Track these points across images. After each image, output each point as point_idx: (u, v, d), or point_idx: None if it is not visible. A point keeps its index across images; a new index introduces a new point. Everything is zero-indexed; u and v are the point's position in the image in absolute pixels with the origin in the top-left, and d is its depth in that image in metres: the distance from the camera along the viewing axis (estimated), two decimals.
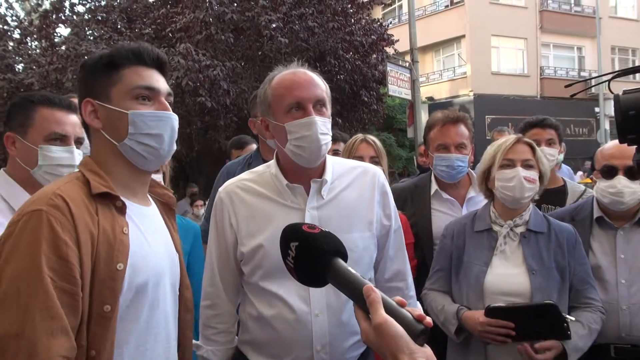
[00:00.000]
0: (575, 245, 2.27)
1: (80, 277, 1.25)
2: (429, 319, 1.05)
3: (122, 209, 1.39)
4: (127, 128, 1.41)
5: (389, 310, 1.05)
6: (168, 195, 1.67)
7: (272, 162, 1.92)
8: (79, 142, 1.99)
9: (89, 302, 1.27)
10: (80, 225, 1.27)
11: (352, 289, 1.12)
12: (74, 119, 1.98)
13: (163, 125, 1.44)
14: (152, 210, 1.57)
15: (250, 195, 1.88)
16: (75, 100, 1.93)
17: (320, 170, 1.88)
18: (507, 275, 2.21)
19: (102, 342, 1.27)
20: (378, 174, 1.98)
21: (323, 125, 1.76)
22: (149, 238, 1.46)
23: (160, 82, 1.48)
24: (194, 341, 1.92)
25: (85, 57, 1.57)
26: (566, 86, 2.02)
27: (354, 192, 1.91)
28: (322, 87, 1.82)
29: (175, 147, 1.51)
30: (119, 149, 1.43)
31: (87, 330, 1.27)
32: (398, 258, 2.03)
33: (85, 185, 1.37)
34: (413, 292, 2.08)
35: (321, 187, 1.85)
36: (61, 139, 1.93)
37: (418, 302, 2.19)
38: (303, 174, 1.84)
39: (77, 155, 1.96)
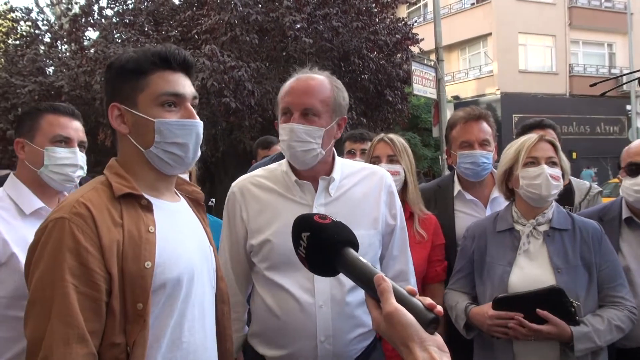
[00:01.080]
0: (600, 241, 2.22)
1: (105, 282, 1.29)
2: (439, 308, 1.06)
3: (148, 207, 1.42)
4: (153, 135, 1.43)
5: (399, 299, 1.06)
6: (196, 191, 1.71)
7: (284, 160, 2.01)
8: (82, 146, 2.15)
9: (122, 301, 1.32)
10: (103, 231, 1.31)
11: (363, 278, 1.13)
12: (77, 124, 2.15)
13: (188, 134, 1.46)
14: (181, 206, 1.60)
15: (261, 191, 1.99)
16: (76, 110, 2.16)
17: (329, 169, 1.97)
18: (532, 274, 2.17)
19: (139, 339, 1.32)
20: (385, 176, 2.07)
21: (303, 132, 1.85)
22: (180, 233, 1.49)
23: (186, 87, 1.48)
24: None
25: (112, 58, 1.54)
26: (591, 85, 1.99)
27: (361, 190, 1.99)
28: (318, 95, 1.87)
29: (199, 153, 1.53)
30: (145, 155, 1.46)
31: (124, 328, 1.32)
32: (401, 258, 2.09)
33: (108, 189, 1.40)
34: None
35: (329, 184, 1.94)
36: (65, 141, 2.09)
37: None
38: (312, 172, 1.93)
39: (80, 156, 2.11)
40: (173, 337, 1.41)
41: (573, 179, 3.14)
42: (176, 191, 1.63)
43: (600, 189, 3.25)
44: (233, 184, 2.08)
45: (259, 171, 2.08)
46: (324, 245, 1.20)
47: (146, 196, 1.43)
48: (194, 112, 1.48)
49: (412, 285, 2.08)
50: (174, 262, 1.41)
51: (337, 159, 2.02)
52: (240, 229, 1.99)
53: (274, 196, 1.97)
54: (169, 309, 1.40)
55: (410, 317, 1.03)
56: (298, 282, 1.85)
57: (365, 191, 1.99)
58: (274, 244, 1.89)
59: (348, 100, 2.01)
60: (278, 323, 1.87)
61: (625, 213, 2.45)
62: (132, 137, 1.46)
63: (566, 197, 2.96)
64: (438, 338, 1.03)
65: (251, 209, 1.97)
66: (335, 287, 1.86)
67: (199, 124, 1.49)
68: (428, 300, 1.07)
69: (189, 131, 1.46)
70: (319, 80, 1.91)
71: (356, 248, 1.21)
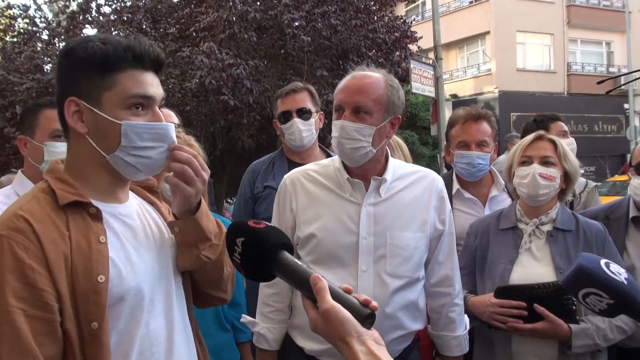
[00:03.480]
0: (604, 243, 2.21)
1: (57, 300, 1.15)
2: (374, 303, 1.09)
3: (97, 215, 1.27)
4: (118, 139, 1.27)
5: (335, 297, 1.08)
6: (147, 177, 1.50)
7: (337, 157, 2.03)
8: None
9: (76, 322, 1.18)
10: (48, 245, 1.16)
11: (299, 280, 1.14)
12: None
13: (158, 138, 1.32)
14: (132, 206, 1.42)
15: (313, 185, 2.01)
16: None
17: (381, 169, 1.98)
18: (534, 274, 2.17)
19: None
20: (437, 179, 2.06)
21: (353, 130, 1.86)
22: (135, 238, 1.35)
23: (155, 88, 1.33)
24: (249, 318, 2.07)
25: (72, 42, 1.33)
26: (598, 82, 2.00)
27: (412, 193, 1.99)
28: (370, 94, 1.88)
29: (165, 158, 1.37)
30: (107, 159, 1.30)
31: (82, 352, 1.18)
32: (447, 263, 2.07)
33: (51, 196, 1.25)
34: (460, 301, 2.11)
35: (380, 185, 1.95)
36: (64, 135, 2.04)
37: (465, 314, 2.18)
38: (363, 171, 1.95)
39: None
40: (142, 350, 1.29)
41: None
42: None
43: (596, 184, 3.36)
44: (286, 176, 2.10)
45: (311, 165, 2.11)
46: (259, 249, 1.19)
47: (95, 203, 1.28)
48: (162, 115, 1.34)
49: (457, 291, 2.09)
50: (131, 271, 1.28)
51: (391, 159, 2.03)
52: (289, 220, 2.02)
53: (324, 191, 1.99)
54: (134, 322, 1.28)
55: (346, 313, 1.05)
56: (341, 279, 1.86)
57: (416, 194, 1.99)
58: (319, 238, 1.91)
59: (404, 99, 2.00)
60: None
61: (633, 212, 2.44)
62: (90, 138, 1.29)
63: None
64: (375, 332, 1.06)
65: (301, 201, 2.00)
66: (378, 286, 1.88)
67: (170, 127, 1.34)
68: (363, 297, 1.09)
69: (159, 136, 1.32)
70: (374, 78, 1.91)
71: (291, 251, 1.21)
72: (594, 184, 3.28)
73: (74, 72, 1.30)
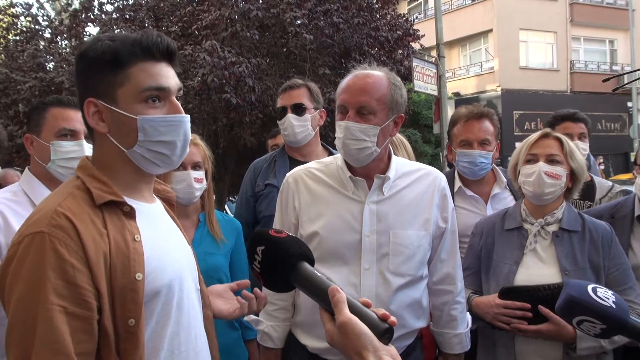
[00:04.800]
0: (610, 243, 2.19)
1: (96, 298, 1.17)
2: (393, 318, 1.07)
3: (130, 214, 1.29)
4: (136, 134, 1.29)
5: (353, 310, 1.07)
6: (167, 190, 1.58)
7: (339, 155, 2.02)
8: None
9: (112, 319, 1.20)
10: (88, 243, 1.18)
11: (317, 291, 1.14)
12: None
13: (175, 131, 1.32)
14: (159, 207, 1.47)
15: (315, 183, 2.01)
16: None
17: (384, 167, 1.97)
18: (539, 274, 2.15)
19: (133, 358, 1.21)
20: (440, 177, 2.06)
21: (358, 130, 1.85)
22: (164, 236, 1.39)
23: (170, 79, 1.34)
24: (254, 317, 2.05)
25: (83, 46, 1.35)
26: (604, 80, 1.99)
27: (414, 191, 1.98)
28: (374, 93, 1.86)
29: (188, 150, 1.40)
30: (127, 155, 1.32)
31: (117, 348, 1.20)
32: (449, 262, 2.07)
33: (87, 194, 1.27)
34: (462, 299, 2.11)
35: (383, 183, 1.94)
36: (71, 134, 2.08)
37: (468, 313, 2.18)
38: (366, 170, 1.94)
39: (88, 148, 2.07)
40: (171, 347, 1.32)
41: (595, 177, 3.12)
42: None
43: (623, 188, 3.10)
44: (288, 174, 2.10)
45: (314, 163, 2.10)
46: (279, 258, 1.19)
47: (128, 201, 1.30)
48: (180, 106, 1.34)
49: (459, 289, 2.09)
50: (163, 269, 1.30)
51: (393, 157, 2.03)
52: (292, 218, 2.02)
53: (327, 189, 1.99)
54: (165, 318, 1.31)
55: (363, 326, 1.03)
56: (344, 277, 1.87)
57: (418, 192, 1.99)
58: (322, 236, 1.91)
59: (406, 97, 1.99)
60: None
61: (638, 210, 2.43)
62: (112, 137, 1.31)
63: (588, 192, 2.97)
64: (392, 349, 1.03)
65: (303, 200, 2.00)
66: (381, 285, 1.88)
67: (186, 119, 1.35)
68: (381, 311, 1.08)
69: (176, 128, 1.32)
70: (376, 77, 1.90)
71: (311, 263, 1.20)
72: (620, 188, 3.07)
73: (88, 74, 1.32)
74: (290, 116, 2.90)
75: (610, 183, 3.11)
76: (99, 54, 1.28)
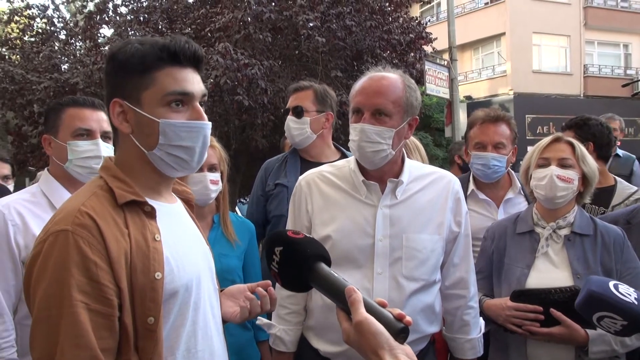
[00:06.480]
0: (623, 248, 2.18)
1: (117, 296, 1.20)
2: (408, 318, 1.09)
3: (151, 214, 1.32)
4: (157, 137, 1.32)
5: (369, 309, 1.08)
6: (187, 191, 1.60)
7: (352, 158, 2.02)
8: (106, 136, 2.14)
9: (132, 317, 1.22)
10: (111, 242, 1.21)
11: (334, 291, 1.15)
12: (99, 115, 2.14)
13: (195, 137, 1.34)
14: (179, 207, 1.50)
15: (328, 186, 2.00)
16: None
17: (397, 171, 1.96)
18: (550, 278, 2.15)
19: (151, 356, 1.24)
20: (453, 181, 2.04)
21: (373, 133, 1.85)
22: (183, 237, 1.41)
23: (195, 85, 1.36)
24: (266, 320, 2.06)
25: (114, 48, 1.39)
26: (623, 85, 1.99)
27: (428, 195, 1.97)
28: (389, 96, 1.86)
29: (206, 156, 1.43)
30: (147, 156, 1.35)
31: (136, 345, 1.23)
32: (462, 266, 2.06)
33: (109, 194, 1.30)
34: (475, 304, 2.10)
35: (396, 187, 1.93)
36: (87, 134, 2.10)
37: (481, 317, 2.17)
38: (379, 173, 1.93)
39: (104, 147, 2.10)
40: (188, 347, 1.35)
41: (621, 182, 3.03)
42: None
43: None
44: (301, 177, 2.10)
45: (326, 167, 2.10)
46: (297, 259, 1.21)
47: (149, 201, 1.33)
48: (203, 112, 1.36)
49: (472, 294, 2.07)
50: (182, 269, 1.33)
51: (407, 160, 2.02)
52: (304, 221, 2.02)
53: (340, 193, 1.98)
54: (182, 318, 1.33)
55: (379, 326, 1.05)
56: (357, 281, 1.85)
57: (432, 196, 1.98)
58: (335, 240, 1.90)
59: (420, 100, 1.99)
60: (333, 320, 1.88)
61: None
62: (134, 137, 1.34)
63: (602, 197, 2.90)
64: (407, 348, 1.06)
65: (316, 203, 1.99)
66: (393, 289, 1.87)
67: (207, 126, 1.36)
68: (397, 311, 1.10)
69: (196, 134, 1.34)
70: (392, 79, 1.89)
71: (328, 263, 1.22)
72: (639, 195, 2.91)
73: (116, 75, 1.35)
74: (289, 118, 2.93)
75: (635, 189, 2.99)
76: (128, 57, 1.32)
